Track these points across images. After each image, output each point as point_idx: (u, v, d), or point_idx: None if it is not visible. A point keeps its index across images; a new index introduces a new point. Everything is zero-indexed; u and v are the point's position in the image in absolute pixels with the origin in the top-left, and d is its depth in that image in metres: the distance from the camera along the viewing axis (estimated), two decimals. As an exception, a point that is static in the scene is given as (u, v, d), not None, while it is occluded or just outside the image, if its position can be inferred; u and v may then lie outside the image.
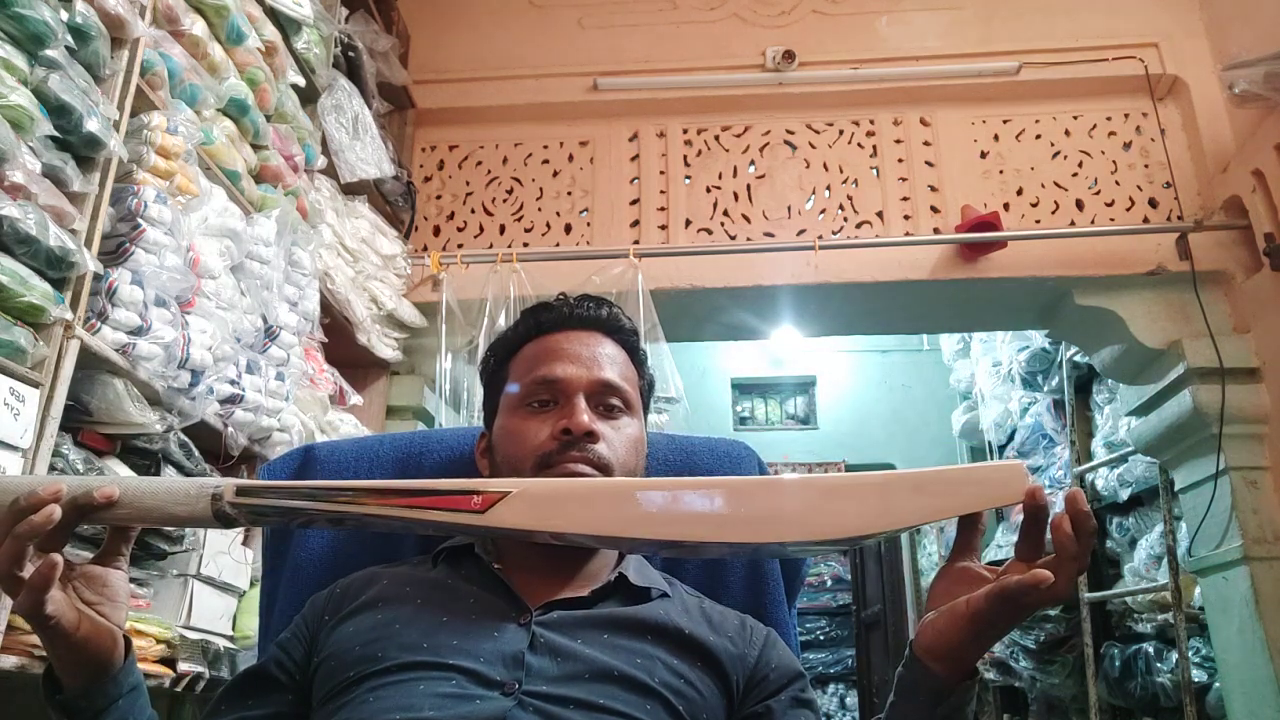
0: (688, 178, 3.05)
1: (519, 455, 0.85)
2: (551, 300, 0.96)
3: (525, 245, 2.97)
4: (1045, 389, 4.20)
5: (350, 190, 2.52)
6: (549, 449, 0.84)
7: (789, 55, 3.05)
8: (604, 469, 0.84)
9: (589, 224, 3.01)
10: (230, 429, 1.78)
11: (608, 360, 0.91)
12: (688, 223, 2.98)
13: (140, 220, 1.50)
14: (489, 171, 3.11)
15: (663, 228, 2.98)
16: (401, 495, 0.68)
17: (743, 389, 6.14)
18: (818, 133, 3.07)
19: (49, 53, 1.34)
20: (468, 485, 0.69)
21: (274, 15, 2.09)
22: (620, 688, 0.74)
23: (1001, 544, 4.26)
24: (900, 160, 3.01)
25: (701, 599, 0.89)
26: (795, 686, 0.82)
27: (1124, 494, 3.55)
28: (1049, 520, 0.68)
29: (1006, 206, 2.91)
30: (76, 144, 1.40)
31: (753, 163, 3.06)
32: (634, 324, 0.98)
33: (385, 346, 2.64)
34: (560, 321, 0.93)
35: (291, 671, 0.82)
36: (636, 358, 0.96)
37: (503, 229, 3.03)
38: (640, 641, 0.78)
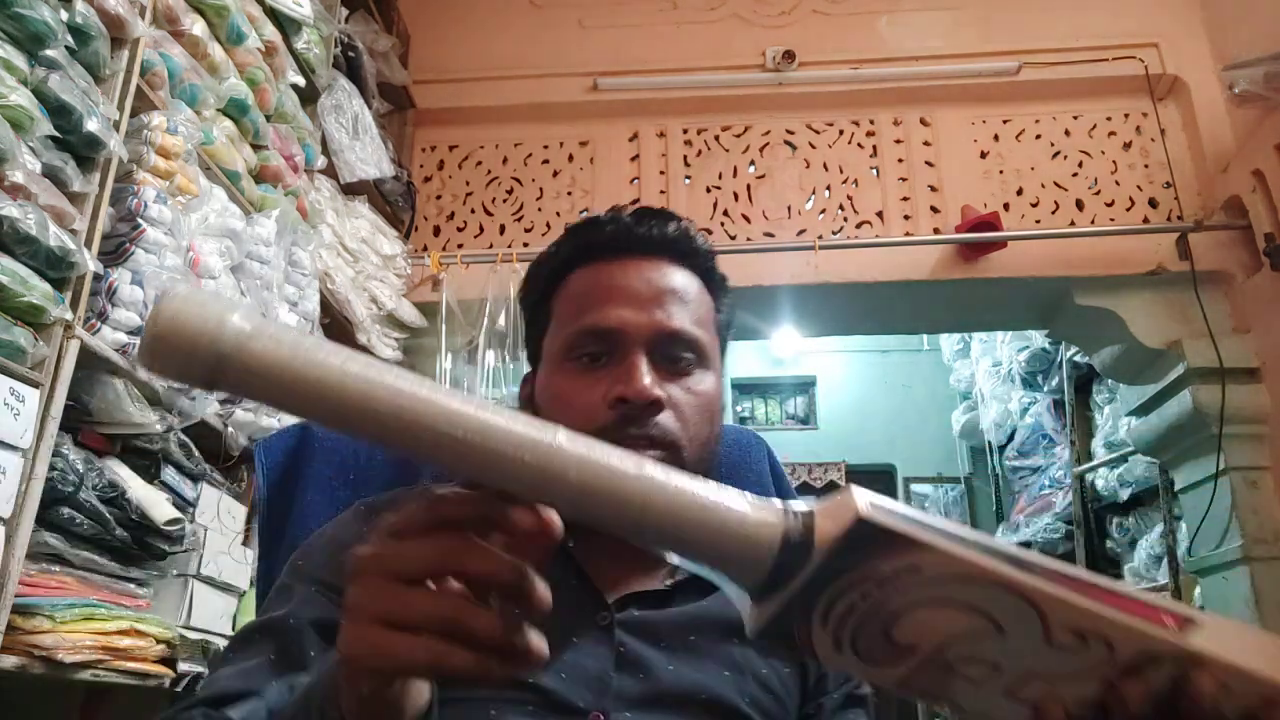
0: (688, 178, 3.05)
1: (566, 425, 0.71)
2: (603, 215, 0.77)
3: (525, 245, 2.97)
4: (1045, 389, 4.21)
5: (350, 190, 2.52)
6: (603, 422, 0.67)
7: (789, 55, 3.05)
8: (670, 448, 0.67)
9: (589, 224, 3.01)
10: (230, 429, 1.78)
11: (676, 300, 0.73)
12: (688, 223, 2.98)
13: (140, 220, 1.50)
14: (489, 171, 3.11)
15: (663, 228, 2.97)
16: (1072, 582, 0.45)
17: (743, 389, 6.14)
18: (818, 133, 3.07)
19: (49, 53, 1.34)
20: (1150, 600, 0.51)
21: (274, 15, 2.09)
22: (707, 714, 0.66)
23: (1001, 544, 4.25)
24: (900, 160, 3.01)
25: None
26: (852, 682, 0.74)
27: (1124, 494, 3.56)
28: None
29: (1006, 206, 2.91)
30: (76, 144, 1.40)
31: (753, 163, 3.06)
32: (709, 243, 0.78)
33: (385, 346, 2.64)
34: (615, 245, 0.75)
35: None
36: (713, 285, 0.78)
37: (503, 229, 3.03)
38: (727, 644, 0.69)
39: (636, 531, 0.43)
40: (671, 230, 0.75)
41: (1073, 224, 2.89)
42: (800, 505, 0.44)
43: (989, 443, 4.87)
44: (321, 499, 0.88)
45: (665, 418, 0.68)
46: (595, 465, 0.43)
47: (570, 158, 3.10)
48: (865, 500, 0.42)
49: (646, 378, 0.68)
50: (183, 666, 1.54)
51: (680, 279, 0.74)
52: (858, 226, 2.94)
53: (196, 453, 1.68)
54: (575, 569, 0.70)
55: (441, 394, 0.43)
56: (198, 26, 1.75)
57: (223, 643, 1.67)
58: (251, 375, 0.41)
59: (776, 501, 0.44)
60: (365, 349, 2.55)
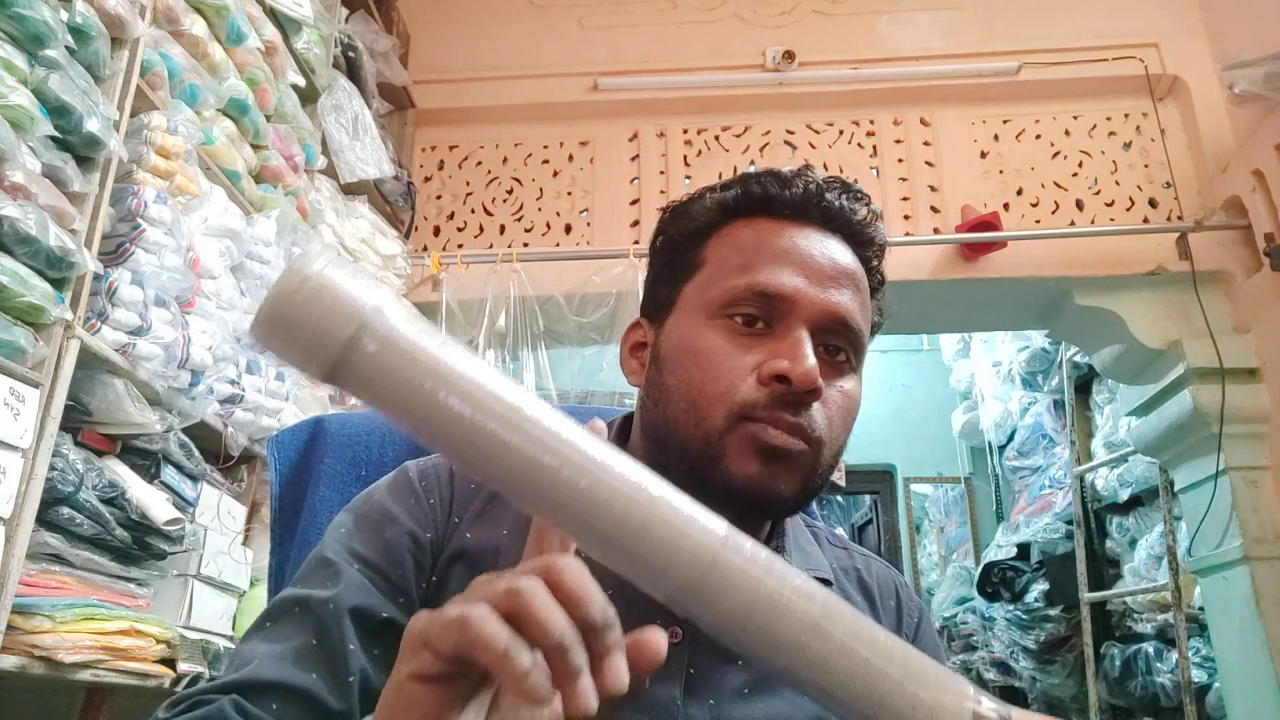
0: (688, 178, 3.04)
1: (706, 389, 0.61)
2: (788, 170, 0.68)
3: (525, 245, 2.97)
4: (1045, 389, 4.21)
5: (350, 190, 2.52)
6: (754, 399, 0.60)
7: (789, 55, 3.05)
8: (814, 444, 0.61)
9: (589, 224, 3.01)
10: (230, 429, 1.78)
11: (850, 283, 0.65)
12: (688, 223, 2.98)
13: (140, 220, 1.50)
14: (489, 171, 3.11)
15: (663, 228, 2.97)
16: None
17: (743, 389, 6.12)
18: (818, 133, 3.07)
19: (49, 53, 1.34)
20: None
21: (274, 15, 2.09)
22: None
23: (1001, 544, 4.26)
24: (900, 160, 3.01)
25: (854, 559, 0.72)
26: None
27: (1124, 494, 3.55)
28: None
29: (1006, 206, 2.91)
30: (76, 144, 1.40)
31: (753, 163, 3.06)
32: (885, 237, 0.70)
33: (385, 346, 2.64)
34: (798, 206, 0.66)
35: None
36: (874, 282, 0.70)
37: (503, 229, 3.03)
38: None
39: (782, 674, 0.38)
40: (860, 211, 0.67)
41: (1073, 224, 2.89)
42: (997, 707, 0.38)
43: (989, 443, 4.86)
44: (334, 494, 0.88)
45: (818, 410, 0.61)
46: (767, 599, 0.37)
47: (570, 158, 3.10)
48: None
49: (814, 360, 0.59)
50: (183, 666, 1.54)
51: (854, 264, 0.66)
52: (858, 226, 2.94)
53: (196, 453, 1.67)
54: None
55: (597, 451, 0.37)
56: (198, 26, 1.75)
57: (223, 643, 1.67)
58: (372, 388, 0.36)
59: (970, 689, 0.38)
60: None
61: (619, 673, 0.36)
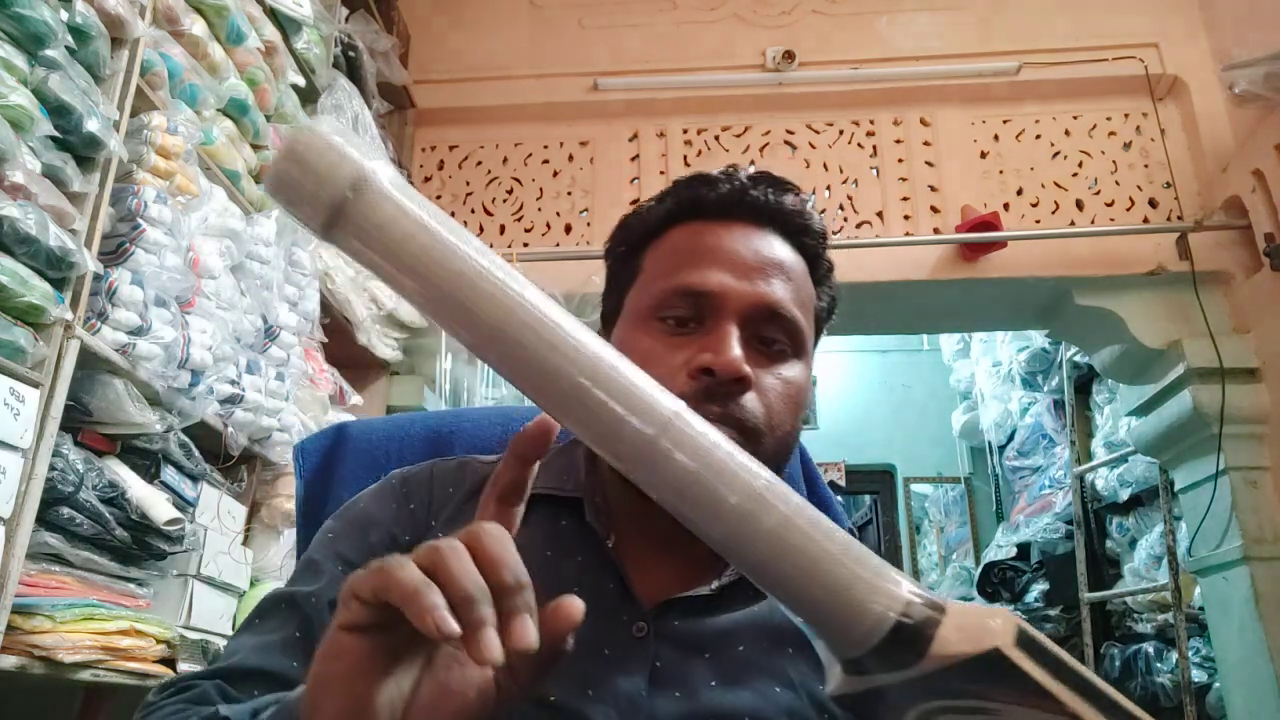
0: (688, 178, 3.04)
1: None
2: (717, 172, 0.70)
3: (525, 245, 2.97)
4: (1045, 389, 4.21)
5: (350, 190, 2.52)
6: (680, 392, 0.58)
7: (789, 55, 3.05)
8: (750, 434, 0.61)
9: (589, 224, 3.01)
10: (230, 429, 1.78)
11: (779, 274, 0.66)
12: (688, 223, 2.98)
13: (140, 220, 1.50)
14: (489, 171, 3.11)
15: (663, 228, 2.97)
16: None
17: (743, 389, 6.12)
18: (818, 133, 3.07)
19: (49, 53, 1.34)
20: None
21: (274, 15, 2.09)
22: None
23: (1001, 544, 4.26)
24: (900, 160, 3.01)
25: None
26: None
27: (1124, 494, 3.56)
28: None
29: (1006, 206, 2.91)
30: (76, 144, 1.40)
31: (753, 163, 3.06)
32: (823, 224, 0.72)
33: (385, 346, 2.64)
34: (724, 205, 0.68)
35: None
36: (818, 271, 0.71)
37: (503, 229, 3.03)
38: (779, 655, 0.62)
39: (724, 546, 0.39)
40: (789, 202, 0.69)
41: (1073, 224, 2.89)
42: (930, 596, 0.38)
43: (989, 443, 4.87)
44: (352, 497, 0.89)
45: (750, 399, 0.62)
46: (715, 466, 0.38)
47: (570, 158, 3.10)
48: (1010, 632, 0.38)
49: (737, 350, 0.61)
50: (182, 667, 1.54)
51: (788, 255, 0.68)
52: (858, 226, 2.94)
53: (196, 453, 1.68)
54: (614, 571, 0.63)
55: (563, 320, 0.39)
56: (198, 26, 1.75)
57: (223, 643, 1.67)
58: (364, 239, 0.38)
59: (906, 581, 0.39)
60: (365, 349, 2.55)
61: (525, 631, 0.38)
